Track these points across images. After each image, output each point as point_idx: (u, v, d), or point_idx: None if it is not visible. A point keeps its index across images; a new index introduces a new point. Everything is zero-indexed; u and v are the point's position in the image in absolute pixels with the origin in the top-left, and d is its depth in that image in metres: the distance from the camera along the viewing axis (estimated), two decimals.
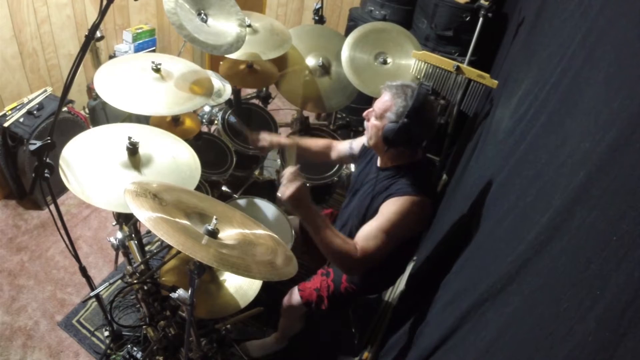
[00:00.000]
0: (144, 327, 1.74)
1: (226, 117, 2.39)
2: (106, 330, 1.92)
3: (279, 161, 2.38)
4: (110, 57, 2.94)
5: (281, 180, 1.37)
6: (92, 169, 1.41)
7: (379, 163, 1.58)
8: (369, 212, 1.51)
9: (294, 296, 1.77)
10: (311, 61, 2.46)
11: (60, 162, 1.37)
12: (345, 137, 2.10)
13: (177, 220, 1.14)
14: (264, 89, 2.64)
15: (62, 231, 1.44)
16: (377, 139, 1.47)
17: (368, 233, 1.38)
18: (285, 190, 1.34)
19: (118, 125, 1.63)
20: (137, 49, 3.01)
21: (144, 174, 1.46)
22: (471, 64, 2.37)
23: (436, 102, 1.48)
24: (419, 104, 1.37)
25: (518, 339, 0.74)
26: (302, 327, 1.95)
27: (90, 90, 2.92)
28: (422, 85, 2.29)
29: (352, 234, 1.60)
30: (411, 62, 2.30)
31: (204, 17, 1.95)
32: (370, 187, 1.54)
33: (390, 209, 1.40)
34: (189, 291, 1.23)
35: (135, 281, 1.49)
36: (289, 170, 1.38)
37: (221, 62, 2.35)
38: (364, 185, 1.62)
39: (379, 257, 1.38)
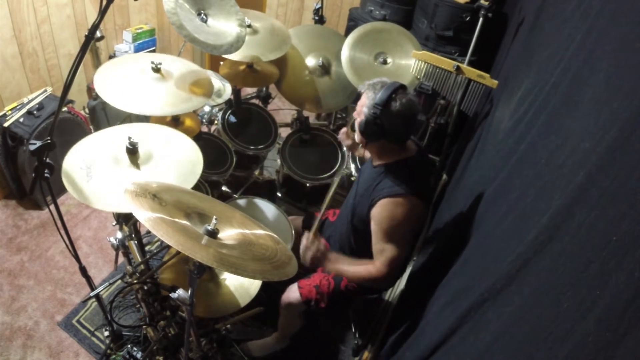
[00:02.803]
0: (144, 327, 1.74)
1: (226, 117, 2.39)
2: (106, 330, 1.92)
3: (278, 161, 2.38)
4: (110, 57, 2.94)
5: (301, 246, 1.56)
6: (95, 176, 1.41)
7: (372, 161, 1.62)
8: (357, 209, 1.59)
9: (293, 293, 1.77)
10: (311, 61, 2.46)
11: (63, 170, 1.37)
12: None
13: (176, 220, 1.14)
14: (264, 89, 2.64)
15: (62, 231, 1.44)
16: (358, 135, 1.54)
17: (377, 249, 1.50)
18: (305, 255, 1.54)
19: (117, 127, 1.63)
20: (137, 49, 3.01)
21: (144, 171, 1.46)
22: (471, 64, 2.37)
23: (414, 95, 1.49)
24: (387, 95, 1.41)
25: (518, 339, 0.74)
26: (302, 325, 1.95)
27: (90, 90, 2.92)
28: (422, 85, 2.30)
29: (347, 226, 1.69)
30: (411, 62, 2.30)
31: (204, 17, 1.95)
32: (360, 184, 1.61)
33: (378, 217, 1.48)
34: (189, 291, 1.23)
35: (135, 281, 1.49)
36: (305, 237, 1.56)
37: (221, 63, 2.35)
38: (358, 182, 1.67)
39: (398, 262, 1.49)
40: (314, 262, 1.54)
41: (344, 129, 2.00)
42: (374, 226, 1.49)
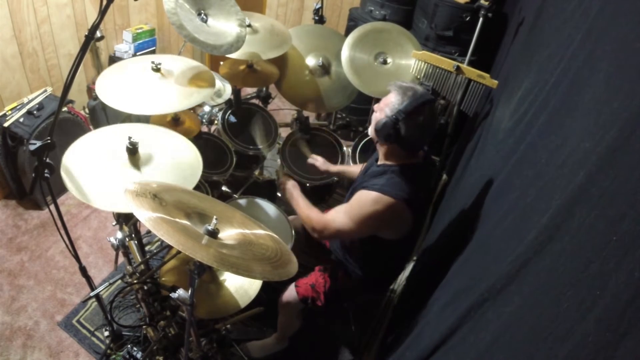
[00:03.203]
0: (144, 327, 1.74)
1: (226, 117, 2.39)
2: (106, 330, 1.92)
3: (278, 161, 2.38)
4: (110, 57, 2.94)
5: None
6: (93, 173, 1.41)
7: (378, 158, 1.62)
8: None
9: (291, 292, 1.78)
10: (311, 61, 2.46)
11: (62, 168, 1.37)
12: (345, 137, 2.10)
13: (177, 220, 1.14)
14: (264, 88, 2.64)
15: (62, 231, 1.44)
16: (373, 130, 1.54)
17: (333, 211, 1.54)
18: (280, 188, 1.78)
19: (118, 126, 1.63)
20: (137, 49, 3.01)
21: (145, 172, 1.46)
22: (471, 64, 2.37)
23: (437, 109, 1.49)
24: (413, 106, 1.39)
25: (518, 339, 0.74)
26: (301, 325, 1.95)
27: (90, 90, 2.92)
28: (422, 85, 2.30)
29: None
30: (411, 62, 2.30)
31: (204, 17, 1.95)
32: (361, 179, 1.62)
33: (356, 197, 1.49)
34: (189, 291, 1.23)
35: (135, 281, 1.49)
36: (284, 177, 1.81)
37: (221, 63, 2.35)
38: (360, 178, 1.67)
39: (338, 235, 1.54)
40: (284, 191, 1.76)
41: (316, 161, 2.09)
42: (351, 201, 1.50)
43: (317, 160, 2.06)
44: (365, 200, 1.45)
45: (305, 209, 1.60)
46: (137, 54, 3.01)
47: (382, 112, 1.47)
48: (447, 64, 2.21)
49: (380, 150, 1.57)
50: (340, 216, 1.49)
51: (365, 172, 1.64)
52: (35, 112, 2.38)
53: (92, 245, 2.47)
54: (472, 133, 2.28)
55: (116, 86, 1.66)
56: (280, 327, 1.97)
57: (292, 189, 1.73)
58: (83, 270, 1.64)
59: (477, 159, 1.84)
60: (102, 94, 1.60)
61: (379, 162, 1.58)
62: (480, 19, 2.29)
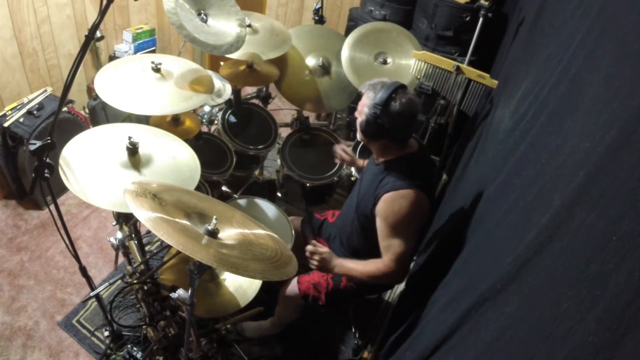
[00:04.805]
0: (144, 327, 1.74)
1: (226, 117, 2.39)
2: (106, 330, 1.92)
3: (278, 161, 2.38)
4: (110, 57, 2.94)
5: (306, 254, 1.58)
6: (92, 169, 1.41)
7: (374, 159, 1.63)
8: (360, 206, 1.60)
9: (293, 287, 1.79)
10: (311, 61, 2.46)
11: (60, 161, 1.37)
12: (345, 137, 2.10)
13: (177, 220, 1.14)
14: (264, 88, 2.64)
15: (62, 231, 1.44)
16: (360, 134, 1.56)
17: (384, 246, 1.51)
18: (313, 264, 1.56)
19: (118, 125, 1.63)
20: (137, 49, 3.01)
21: (144, 174, 1.46)
22: (471, 64, 2.37)
23: (414, 95, 1.50)
24: (386, 95, 1.42)
25: (518, 339, 0.74)
26: (298, 317, 1.97)
27: (90, 90, 2.92)
28: (422, 85, 2.30)
29: (351, 225, 1.70)
30: (411, 62, 2.30)
31: (204, 17, 1.95)
32: (363, 181, 1.63)
33: (383, 212, 1.48)
34: (189, 291, 1.23)
35: (135, 281, 1.49)
36: (308, 248, 1.57)
37: (222, 63, 2.34)
38: (362, 180, 1.68)
39: (406, 257, 1.50)
40: (322, 270, 1.58)
41: (340, 150, 1.99)
42: (379, 222, 1.50)
43: (342, 146, 2.02)
44: (390, 206, 1.46)
45: (364, 266, 1.53)
46: (137, 54, 3.01)
47: (361, 114, 1.50)
48: (447, 64, 2.21)
49: (374, 150, 1.59)
50: (388, 243, 1.48)
51: (366, 176, 1.64)
52: (35, 112, 2.38)
53: (92, 245, 2.47)
54: (472, 133, 2.28)
55: (115, 84, 1.66)
56: (278, 315, 1.99)
57: (336, 260, 1.56)
58: (83, 270, 1.64)
59: (477, 159, 1.84)
60: (101, 90, 1.60)
61: (377, 161, 1.60)
62: (480, 19, 2.29)
